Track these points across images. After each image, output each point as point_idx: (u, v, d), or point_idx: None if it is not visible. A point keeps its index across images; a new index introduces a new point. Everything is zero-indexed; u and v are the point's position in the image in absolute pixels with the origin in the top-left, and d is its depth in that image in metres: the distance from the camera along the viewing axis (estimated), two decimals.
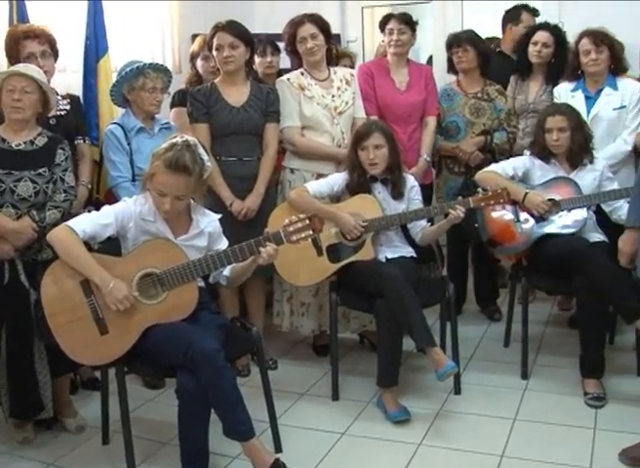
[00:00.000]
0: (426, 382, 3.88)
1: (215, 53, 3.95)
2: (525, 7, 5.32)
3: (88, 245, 3.08)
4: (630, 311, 3.52)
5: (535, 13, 5.32)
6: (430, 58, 6.39)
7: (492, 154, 4.65)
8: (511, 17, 5.33)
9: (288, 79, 4.15)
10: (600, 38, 4.24)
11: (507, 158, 4.30)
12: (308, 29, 4.07)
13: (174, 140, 3.05)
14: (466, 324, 4.61)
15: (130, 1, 5.13)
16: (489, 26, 6.25)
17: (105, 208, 3.15)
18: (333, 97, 4.15)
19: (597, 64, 4.24)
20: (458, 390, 3.78)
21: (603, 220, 4.01)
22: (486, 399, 3.73)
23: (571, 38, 4.54)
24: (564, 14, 5.63)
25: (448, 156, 4.76)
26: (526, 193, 3.91)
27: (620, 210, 3.85)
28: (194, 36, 5.02)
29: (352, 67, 4.91)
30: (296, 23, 4.11)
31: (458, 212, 3.65)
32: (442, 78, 5.16)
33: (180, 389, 2.89)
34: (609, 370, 3.77)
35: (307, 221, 3.10)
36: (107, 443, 3.41)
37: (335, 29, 4.70)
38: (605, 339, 3.82)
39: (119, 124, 3.89)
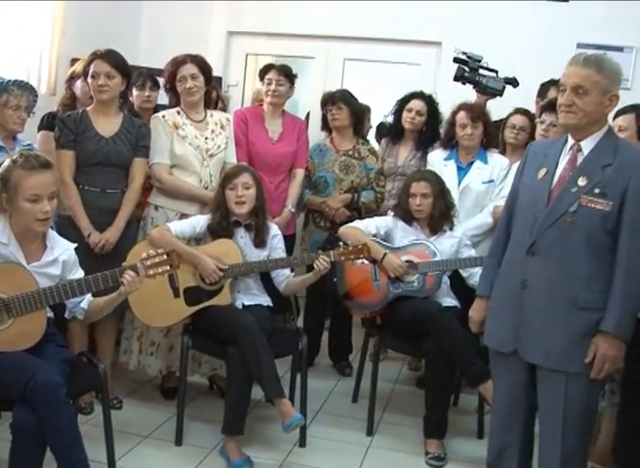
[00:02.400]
0: (272, 433, 3.85)
1: (90, 80, 3.86)
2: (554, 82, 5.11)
3: None
4: (475, 375, 3.65)
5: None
6: (308, 113, 6.50)
7: (358, 212, 4.73)
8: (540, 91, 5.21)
9: (163, 116, 4.11)
10: (477, 114, 4.44)
11: (373, 217, 4.40)
12: (189, 69, 4.06)
13: (11, 158, 2.98)
14: (317, 377, 4.63)
15: (10, 16, 4.99)
16: (367, 87, 6.47)
17: None
18: (206, 139, 4.13)
19: (472, 139, 4.43)
20: (303, 443, 3.77)
21: (458, 285, 4.14)
22: (330, 453, 3.74)
23: None
24: None
25: (315, 210, 4.81)
26: (385, 253, 4.00)
27: (476, 276, 3.96)
28: (74, 60, 4.92)
29: (224, 111, 4.92)
30: (178, 62, 4.09)
31: (323, 263, 3.69)
32: (319, 134, 5.26)
33: (16, 423, 2.74)
34: (451, 432, 3.87)
35: (165, 256, 3.07)
36: None
37: (217, 72, 4.73)
38: (449, 401, 3.92)
39: None
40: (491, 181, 4.40)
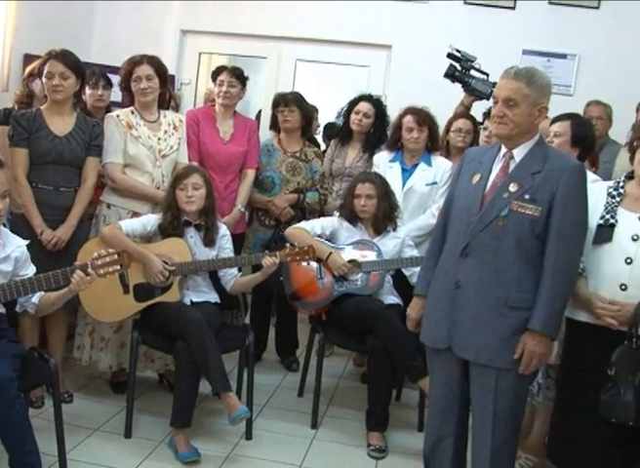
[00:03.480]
0: (220, 426, 3.95)
1: (44, 80, 3.90)
2: None
3: None
4: (415, 371, 3.80)
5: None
6: (259, 112, 6.60)
7: (302, 212, 4.83)
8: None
9: (117, 116, 4.16)
10: (423, 118, 4.59)
11: (317, 217, 4.53)
12: (145, 70, 4.12)
13: None
14: (265, 372, 4.76)
15: None
16: (318, 87, 6.60)
17: None
18: (159, 139, 4.20)
19: (417, 142, 4.58)
20: (249, 435, 3.88)
21: (402, 284, 4.28)
22: (275, 445, 3.85)
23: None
24: None
25: (260, 208, 4.91)
26: (330, 253, 4.13)
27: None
28: (27, 56, 4.94)
29: (176, 110, 5.00)
30: (134, 62, 4.14)
31: (270, 263, 3.81)
32: (270, 133, 5.37)
33: None
34: (393, 425, 4.03)
35: (116, 256, 3.15)
36: None
37: (170, 70, 4.77)
38: (391, 396, 4.06)
39: None
40: (434, 183, 4.55)
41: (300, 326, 5.14)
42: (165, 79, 4.26)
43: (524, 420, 3.62)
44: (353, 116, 5.01)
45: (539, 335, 2.77)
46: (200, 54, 6.92)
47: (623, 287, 2.89)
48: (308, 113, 5.00)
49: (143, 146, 4.15)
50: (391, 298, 4.18)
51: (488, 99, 4.87)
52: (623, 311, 2.85)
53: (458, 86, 5.09)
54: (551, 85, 2.90)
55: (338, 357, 5.28)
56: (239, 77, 4.75)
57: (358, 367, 5.14)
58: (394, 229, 4.27)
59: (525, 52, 6.27)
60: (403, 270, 4.25)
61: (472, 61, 4.97)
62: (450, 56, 4.96)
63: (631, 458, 2.99)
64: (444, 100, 5.16)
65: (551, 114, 4.28)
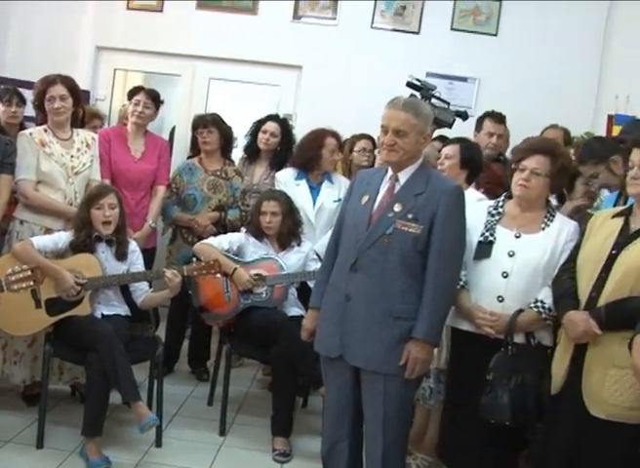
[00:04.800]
0: (131, 435, 4.06)
1: None
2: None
3: None
4: (316, 379, 3.97)
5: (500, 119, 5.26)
6: (173, 128, 6.75)
7: (224, 229, 4.99)
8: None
9: (30, 133, 4.25)
10: (341, 143, 4.91)
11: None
12: (59, 90, 4.21)
13: None
14: (176, 382, 4.90)
15: None
16: (231, 106, 6.78)
17: None
18: (72, 157, 4.30)
19: (333, 164, 4.88)
20: (159, 443, 4.02)
21: (307, 296, 4.48)
22: (184, 452, 4.00)
23: None
24: None
25: (183, 226, 5.07)
26: (235, 268, 4.31)
27: None
28: None
29: (101, 127, 5.14)
30: (48, 82, 4.23)
31: (172, 278, 3.96)
32: (184, 148, 5.53)
33: None
34: (298, 431, 4.24)
35: (29, 272, 3.27)
36: None
37: (85, 86, 4.88)
38: (294, 402, 4.26)
39: None
40: (339, 200, 4.75)
41: (214, 337, 5.27)
42: (78, 98, 4.37)
43: (420, 423, 3.92)
44: (261, 135, 5.23)
45: (421, 343, 3.02)
46: (115, 70, 6.99)
47: (500, 298, 3.20)
48: (227, 133, 5.18)
49: (56, 163, 4.24)
50: (295, 310, 4.39)
51: (450, 128, 4.90)
52: (500, 321, 3.15)
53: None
54: (433, 115, 3.18)
55: (248, 367, 5.45)
56: (155, 99, 4.91)
57: (267, 376, 5.27)
58: (298, 244, 4.49)
59: (428, 74, 6.55)
60: (308, 283, 4.45)
61: (432, 90, 4.91)
62: (409, 85, 4.91)
63: (510, 457, 3.29)
64: (351, 120, 5.43)
65: (453, 134, 4.59)
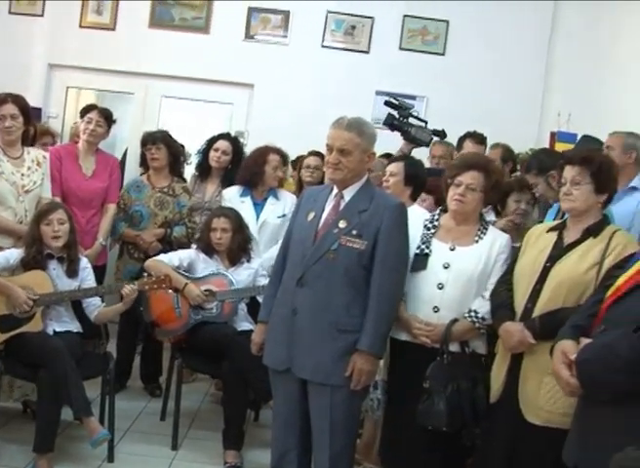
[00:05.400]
0: (83, 451, 4.06)
1: None
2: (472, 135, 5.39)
3: None
4: (266, 392, 4.05)
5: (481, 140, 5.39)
6: (127, 149, 6.77)
7: (170, 245, 5.04)
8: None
9: None
10: (284, 160, 5.02)
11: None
12: (9, 109, 4.26)
13: None
14: (129, 398, 4.91)
15: None
16: (184, 123, 6.85)
17: None
18: (22, 175, 4.33)
19: (276, 180, 4.96)
20: (111, 458, 4.03)
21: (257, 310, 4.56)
22: (136, 466, 4.04)
23: None
24: None
25: (130, 242, 5.11)
26: (186, 283, 4.37)
27: None
28: None
29: (53, 144, 5.16)
30: None
31: (129, 292, 4.01)
32: (135, 168, 5.57)
33: None
34: (250, 443, 4.30)
35: None
36: None
37: (38, 104, 4.88)
38: (245, 416, 4.32)
39: None
40: (284, 216, 4.86)
41: (166, 353, 5.30)
42: (29, 117, 4.41)
43: (368, 433, 4.01)
44: (212, 153, 5.30)
45: (366, 355, 3.12)
46: (68, 88, 7.02)
47: (436, 309, 3.31)
48: (176, 150, 5.25)
49: (6, 182, 4.27)
50: (245, 325, 4.45)
51: (427, 146, 5.08)
52: (436, 331, 3.27)
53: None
54: (376, 134, 3.28)
55: (201, 382, 5.49)
56: (107, 118, 4.95)
57: (219, 391, 5.30)
58: (248, 260, 4.56)
59: (378, 93, 6.72)
60: (258, 298, 4.52)
61: (410, 109, 5.02)
62: (387, 103, 5.02)
63: (452, 462, 3.39)
64: (303, 138, 5.54)
65: (380, 145, 4.72)
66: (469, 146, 5.23)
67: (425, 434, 3.23)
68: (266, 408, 4.73)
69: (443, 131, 4.99)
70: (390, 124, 4.91)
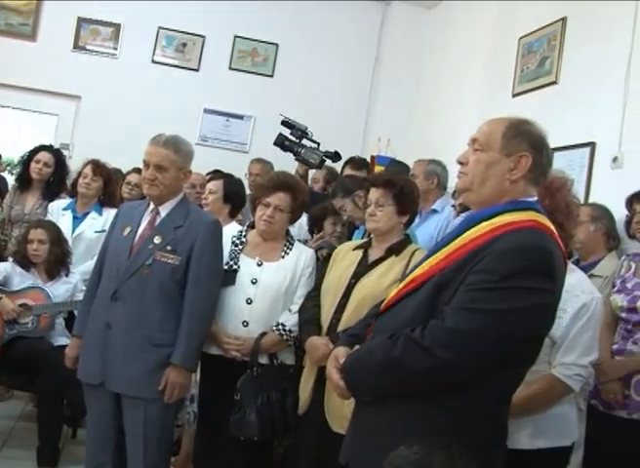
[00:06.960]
0: None
1: None
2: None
3: None
4: (83, 407, 4.02)
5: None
6: None
7: None
8: None
9: None
10: (100, 170, 4.96)
11: None
12: None
13: None
14: None
15: None
16: (6, 132, 6.65)
17: None
18: None
19: (88, 189, 4.91)
20: None
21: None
22: None
23: None
24: None
25: None
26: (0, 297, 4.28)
27: None
28: None
29: None
30: None
31: None
32: None
33: None
34: (66, 461, 4.24)
35: None
36: None
37: None
38: (61, 432, 4.27)
39: None
40: (103, 231, 4.74)
41: None
42: None
43: (186, 446, 4.06)
44: (33, 165, 5.19)
45: (179, 369, 3.18)
46: None
47: (245, 323, 3.43)
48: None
49: None
50: (63, 339, 4.37)
51: (319, 168, 5.08)
52: (246, 344, 3.38)
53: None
54: (193, 152, 3.37)
55: (17, 399, 5.34)
56: None
57: (36, 407, 5.24)
58: (67, 275, 4.52)
59: (206, 110, 6.83)
60: (75, 312, 4.46)
61: (304, 131, 4.97)
62: (284, 123, 4.98)
63: None
64: (129, 152, 5.51)
65: (229, 169, 4.84)
66: (349, 172, 5.27)
67: (238, 445, 3.31)
68: (84, 425, 4.68)
69: (336, 152, 4.99)
70: (281, 144, 4.90)
